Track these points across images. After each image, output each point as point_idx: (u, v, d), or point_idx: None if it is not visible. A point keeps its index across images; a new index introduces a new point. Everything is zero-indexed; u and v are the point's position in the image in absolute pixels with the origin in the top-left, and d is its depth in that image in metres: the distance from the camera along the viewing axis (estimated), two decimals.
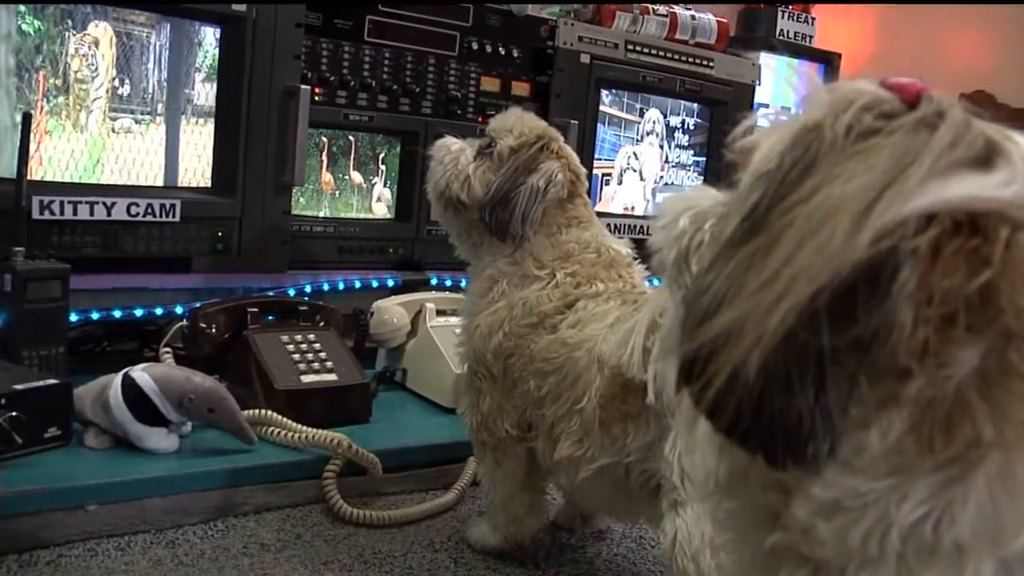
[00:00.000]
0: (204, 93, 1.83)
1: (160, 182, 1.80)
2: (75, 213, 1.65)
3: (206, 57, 1.83)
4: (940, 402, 0.50)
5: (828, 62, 3.12)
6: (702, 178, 2.71)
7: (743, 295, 0.53)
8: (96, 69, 1.69)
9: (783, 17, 3.01)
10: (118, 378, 1.41)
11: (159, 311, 1.80)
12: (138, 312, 1.78)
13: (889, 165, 0.51)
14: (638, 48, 2.47)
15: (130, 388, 1.39)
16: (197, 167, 1.84)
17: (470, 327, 1.35)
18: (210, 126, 1.83)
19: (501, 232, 1.31)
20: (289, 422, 1.50)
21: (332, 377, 1.64)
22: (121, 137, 1.74)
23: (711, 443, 0.61)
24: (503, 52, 2.25)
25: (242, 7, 1.78)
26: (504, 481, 1.34)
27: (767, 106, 2.99)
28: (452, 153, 1.38)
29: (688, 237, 0.65)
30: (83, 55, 1.66)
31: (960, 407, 0.50)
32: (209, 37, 1.82)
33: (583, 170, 1.38)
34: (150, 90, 1.77)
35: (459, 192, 1.35)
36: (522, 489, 1.34)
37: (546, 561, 1.39)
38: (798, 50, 3.06)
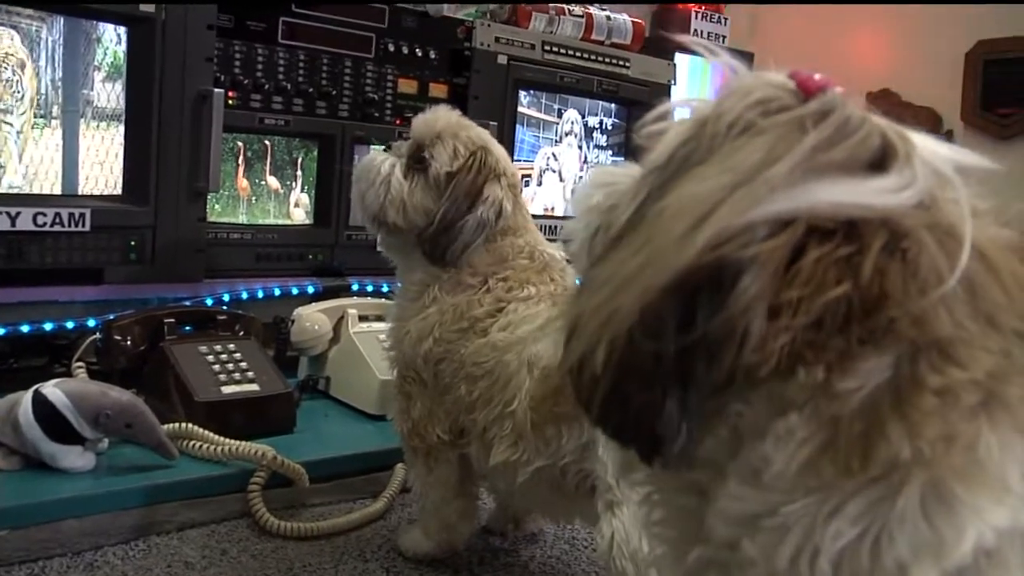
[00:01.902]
0: (106, 94, 1.75)
1: (58, 190, 1.72)
2: None
3: (106, 54, 1.74)
4: (850, 419, 0.49)
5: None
6: None
7: (597, 289, 0.53)
8: None
9: (696, 18, 3.05)
10: (28, 395, 1.35)
11: (70, 324, 1.73)
12: (48, 326, 1.71)
13: (748, 165, 0.50)
14: (555, 49, 2.47)
15: (42, 405, 1.33)
16: (100, 175, 1.76)
17: (399, 332, 1.32)
18: (113, 129, 1.76)
19: (439, 259, 1.28)
20: (211, 435, 1.46)
21: (254, 387, 1.59)
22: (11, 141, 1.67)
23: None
24: (420, 54, 2.23)
25: (150, 8, 1.72)
26: (436, 487, 1.32)
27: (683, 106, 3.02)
28: (383, 174, 1.32)
29: (597, 219, 0.65)
30: None
31: (875, 424, 0.49)
32: (110, 33, 1.73)
33: (519, 177, 1.35)
34: (43, 90, 1.68)
35: (396, 219, 1.31)
36: (455, 495, 1.32)
37: (480, 566, 1.37)
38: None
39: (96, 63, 1.74)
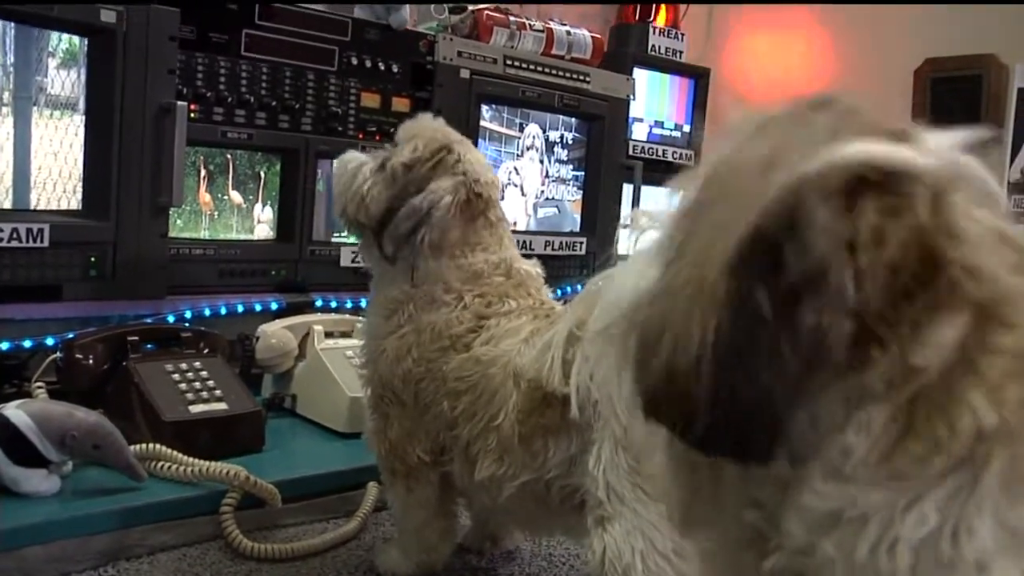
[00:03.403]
0: (60, 81, 1.69)
1: (8, 181, 1.65)
2: None
3: (60, 40, 1.69)
4: (928, 397, 0.49)
5: (698, 77, 3.19)
6: (581, 191, 2.73)
7: (669, 290, 0.51)
8: None
9: (654, 33, 3.07)
10: None
11: (27, 343, 1.68)
12: (3, 345, 1.65)
13: (778, 140, 0.51)
14: (517, 63, 2.47)
15: (3, 427, 1.28)
16: (53, 165, 1.69)
17: (374, 351, 1.30)
18: (67, 119, 1.69)
19: (391, 256, 1.26)
20: (180, 455, 1.42)
21: (222, 406, 1.56)
22: None
23: (676, 472, 0.59)
24: (383, 67, 2.21)
25: (111, 18, 1.68)
26: (417, 509, 1.29)
27: (641, 120, 3.04)
28: (349, 171, 1.31)
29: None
30: None
31: (954, 398, 0.48)
32: None
33: (491, 185, 1.33)
34: None
35: (355, 213, 1.30)
36: (435, 516, 1.30)
37: None
38: (669, 65, 3.13)
39: (51, 49, 1.68)
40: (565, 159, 2.69)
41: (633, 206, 2.77)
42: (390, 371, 1.26)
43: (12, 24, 1.62)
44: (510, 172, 2.55)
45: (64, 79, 1.70)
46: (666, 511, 0.64)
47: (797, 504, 0.51)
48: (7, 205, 1.65)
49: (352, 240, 2.20)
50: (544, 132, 2.61)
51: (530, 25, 2.57)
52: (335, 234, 2.18)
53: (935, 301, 0.48)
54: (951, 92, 3.21)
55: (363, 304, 2.13)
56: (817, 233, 0.47)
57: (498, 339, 1.20)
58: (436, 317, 1.24)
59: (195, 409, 1.53)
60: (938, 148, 0.51)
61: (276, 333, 1.82)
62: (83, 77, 1.71)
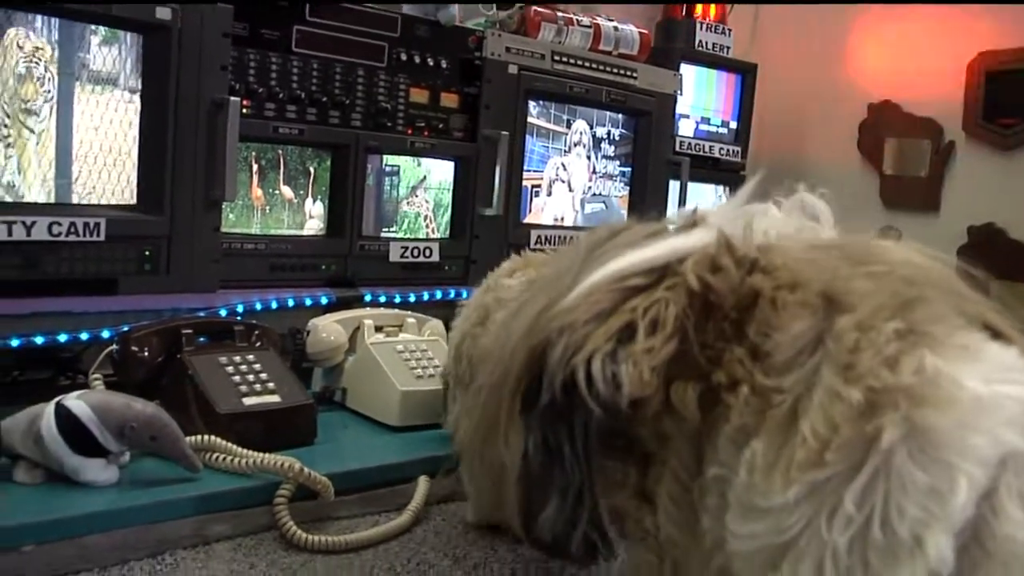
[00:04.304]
0: (102, 58, 1.70)
1: (51, 154, 1.67)
2: None
3: None
4: (793, 406, 0.49)
5: (745, 72, 3.17)
6: (628, 187, 2.72)
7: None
8: None
9: (701, 28, 3.05)
10: (51, 407, 1.32)
11: (84, 336, 1.71)
12: (62, 338, 1.68)
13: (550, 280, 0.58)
14: (564, 59, 2.47)
15: (65, 418, 1.30)
16: (94, 139, 1.71)
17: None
18: (108, 93, 1.71)
19: None
20: (235, 447, 1.43)
21: (275, 399, 1.57)
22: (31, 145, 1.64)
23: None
24: (432, 63, 2.22)
25: (166, 15, 1.70)
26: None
27: (687, 116, 3.03)
28: None
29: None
30: None
31: (814, 395, 0.49)
32: None
33: None
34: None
35: None
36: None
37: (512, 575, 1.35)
38: (716, 61, 3.11)
39: (92, 26, 1.70)
40: (612, 155, 2.68)
41: (680, 202, 2.76)
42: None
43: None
44: (557, 168, 2.55)
45: (105, 55, 1.71)
46: None
47: (738, 555, 0.52)
48: (51, 181, 1.67)
49: (401, 235, 2.21)
50: (591, 128, 2.61)
51: (577, 21, 2.57)
52: (384, 229, 2.19)
53: (765, 325, 0.50)
54: (1006, 86, 3.15)
55: (412, 299, 2.16)
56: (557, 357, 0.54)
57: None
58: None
59: (249, 401, 1.54)
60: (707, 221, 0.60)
61: (327, 327, 1.83)
62: (123, 53, 1.72)
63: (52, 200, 1.68)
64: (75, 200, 1.70)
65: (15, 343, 1.63)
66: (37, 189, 1.65)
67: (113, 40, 1.71)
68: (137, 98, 1.74)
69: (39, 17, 1.61)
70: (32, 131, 1.62)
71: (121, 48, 1.71)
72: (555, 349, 0.52)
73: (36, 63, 1.60)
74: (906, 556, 0.47)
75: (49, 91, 1.63)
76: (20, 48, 1.57)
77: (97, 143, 1.71)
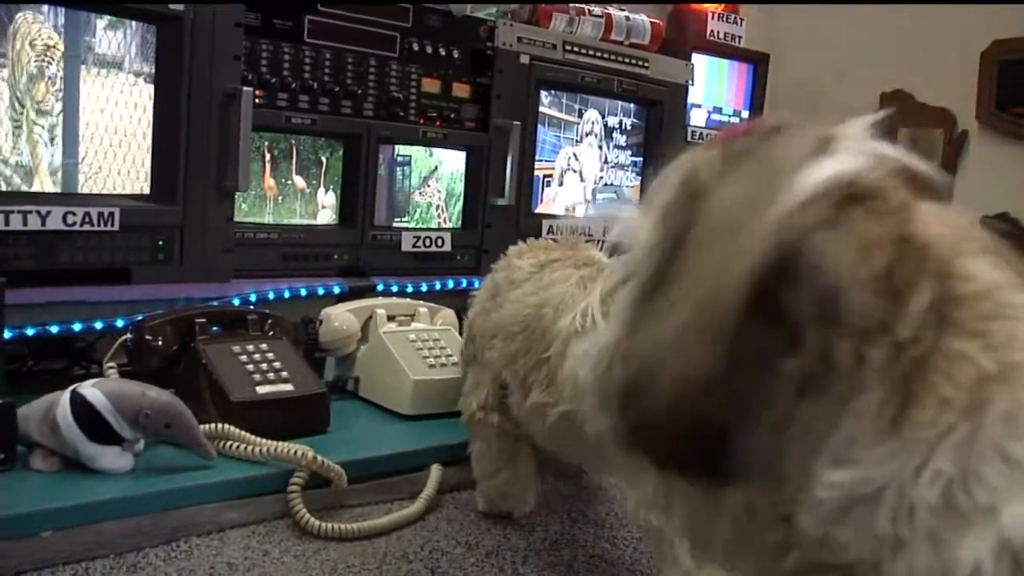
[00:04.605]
0: (107, 41, 1.69)
1: (58, 132, 1.66)
2: (7, 223, 1.56)
3: None
4: (919, 363, 0.49)
5: (757, 62, 3.16)
6: (639, 178, 2.72)
7: (665, 336, 0.52)
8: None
9: (713, 18, 3.04)
10: (66, 395, 1.33)
11: (99, 325, 1.72)
12: (76, 327, 1.69)
13: (757, 175, 0.53)
14: (576, 49, 2.46)
15: (80, 406, 1.31)
16: (99, 120, 1.70)
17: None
18: (113, 76, 1.70)
19: None
20: (248, 435, 1.44)
21: (288, 387, 1.58)
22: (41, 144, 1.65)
23: (705, 508, 0.60)
24: (443, 53, 2.21)
25: (179, 6, 1.71)
26: (482, 457, 1.46)
27: (699, 106, 3.02)
28: None
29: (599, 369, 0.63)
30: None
31: (945, 356, 0.49)
32: None
33: None
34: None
35: None
36: (502, 465, 1.45)
37: (523, 565, 1.36)
38: (728, 51, 3.10)
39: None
40: (624, 145, 2.67)
41: None
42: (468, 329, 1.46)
43: None
44: (569, 158, 2.55)
45: (111, 39, 1.70)
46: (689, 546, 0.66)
47: (811, 502, 0.52)
48: (58, 163, 1.68)
49: (413, 225, 2.22)
50: (603, 118, 2.60)
51: (589, 11, 2.56)
52: (396, 219, 2.20)
53: (907, 275, 0.50)
54: (1020, 75, 3.14)
55: (424, 289, 2.16)
56: (824, 266, 0.49)
57: (548, 286, 1.32)
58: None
59: (262, 390, 1.55)
60: (877, 147, 0.56)
61: (340, 316, 1.84)
62: (129, 37, 1.72)
63: (62, 185, 1.68)
64: (82, 180, 1.69)
65: (30, 332, 1.65)
66: (47, 175, 1.66)
67: (119, 24, 1.70)
68: (142, 81, 1.74)
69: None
70: (43, 127, 1.63)
71: (127, 32, 1.71)
72: (819, 244, 0.50)
73: (48, 63, 1.60)
74: (980, 521, 0.48)
75: (61, 90, 1.63)
76: (32, 47, 1.58)
77: (103, 125, 1.71)
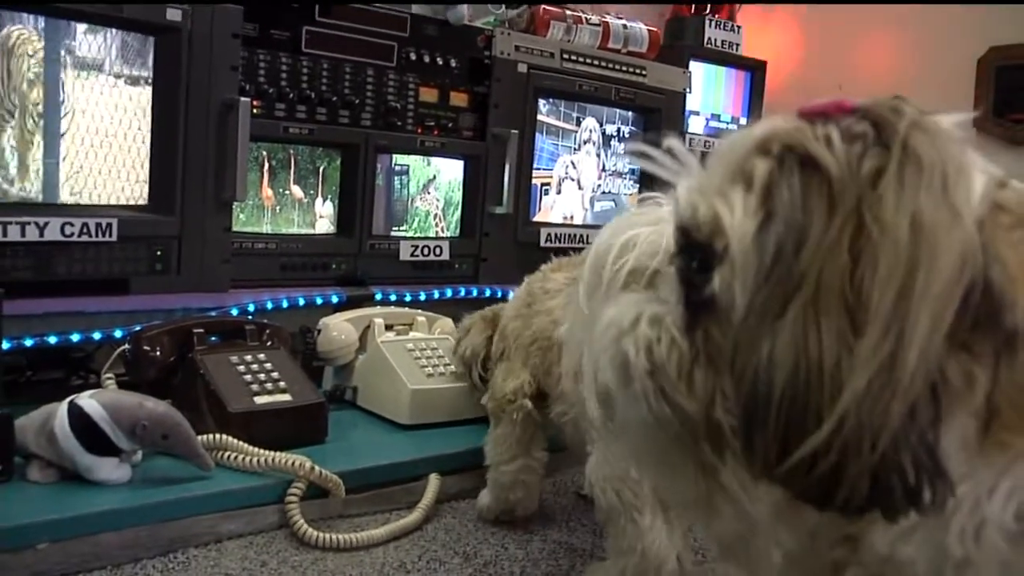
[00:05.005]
0: (87, 44, 1.69)
1: (39, 137, 1.65)
2: (4, 234, 1.57)
3: None
4: (1006, 384, 0.48)
5: (754, 70, 3.16)
6: (637, 186, 2.72)
7: (848, 361, 0.47)
8: None
9: (710, 25, 3.05)
10: (63, 407, 1.33)
11: (97, 335, 1.72)
12: (74, 337, 1.69)
13: (941, 166, 0.49)
14: (574, 57, 2.47)
15: (78, 417, 1.31)
16: (81, 121, 1.70)
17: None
18: (93, 79, 1.69)
19: None
20: (246, 446, 1.44)
21: (286, 397, 1.57)
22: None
23: (776, 521, 0.57)
24: (441, 62, 2.22)
25: (177, 16, 1.71)
26: (498, 443, 1.49)
27: (697, 113, 3.02)
28: None
29: (652, 343, 0.57)
30: None
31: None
32: None
33: None
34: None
35: None
36: (516, 454, 1.48)
37: (521, 575, 1.36)
38: (725, 58, 3.10)
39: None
40: (622, 152, 2.68)
41: None
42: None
43: None
44: (567, 166, 2.55)
45: (91, 42, 1.69)
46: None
47: (889, 525, 0.50)
48: (40, 163, 1.67)
49: (411, 234, 2.22)
50: (601, 126, 2.61)
51: (586, 19, 2.57)
52: (394, 228, 2.20)
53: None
54: (1017, 81, 3.14)
55: (422, 298, 2.16)
56: (1004, 289, 0.48)
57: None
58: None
59: (260, 400, 1.55)
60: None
61: (338, 326, 1.83)
62: (109, 40, 1.72)
63: (43, 182, 1.68)
64: (63, 178, 1.69)
65: (28, 343, 1.64)
66: (32, 175, 1.65)
67: (99, 28, 1.70)
68: (122, 83, 1.73)
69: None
70: (39, 131, 1.63)
71: (107, 35, 1.71)
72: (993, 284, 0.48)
73: (37, 67, 1.60)
74: None
75: (59, 93, 1.64)
76: (31, 56, 1.58)
77: (84, 125, 1.71)
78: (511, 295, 1.62)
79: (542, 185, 2.50)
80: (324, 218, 2.08)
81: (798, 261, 0.48)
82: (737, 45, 3.15)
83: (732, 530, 0.57)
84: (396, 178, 2.19)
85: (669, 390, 0.54)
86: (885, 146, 0.49)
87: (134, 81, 1.74)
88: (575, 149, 2.56)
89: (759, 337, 0.49)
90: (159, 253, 1.76)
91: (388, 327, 1.86)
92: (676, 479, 0.57)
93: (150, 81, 1.75)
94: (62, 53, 1.67)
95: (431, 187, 2.26)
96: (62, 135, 1.69)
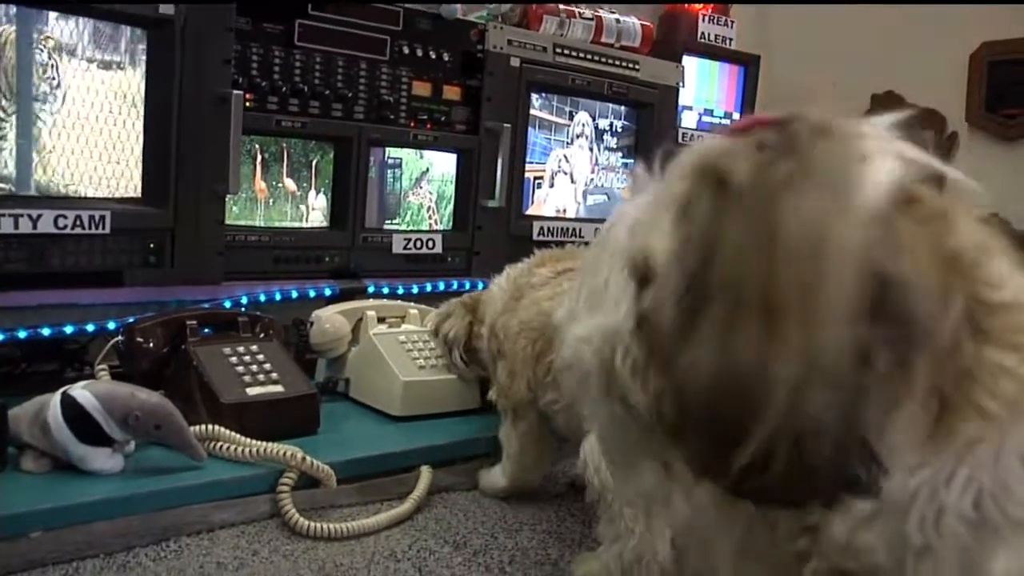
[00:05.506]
0: (60, 29, 1.65)
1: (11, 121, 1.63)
2: None
3: None
4: (955, 374, 0.50)
5: (748, 64, 3.17)
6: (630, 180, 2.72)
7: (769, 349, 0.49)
8: None
9: (704, 20, 3.05)
10: (56, 397, 1.34)
11: (90, 327, 1.73)
12: (68, 329, 1.70)
13: (839, 169, 0.52)
14: (566, 51, 2.47)
15: (71, 407, 1.32)
16: (55, 107, 1.67)
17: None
18: (64, 64, 1.66)
19: None
20: (238, 436, 1.45)
21: (278, 389, 1.59)
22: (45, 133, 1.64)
23: (729, 523, 0.59)
24: (434, 56, 2.23)
25: (169, 10, 1.72)
26: (519, 437, 1.54)
27: (690, 108, 3.03)
28: None
29: (605, 354, 0.62)
30: None
31: (984, 368, 0.49)
32: None
33: None
34: None
35: None
36: (532, 444, 1.53)
37: (510, 565, 1.37)
38: (719, 53, 3.11)
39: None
40: (615, 147, 2.69)
41: None
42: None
43: None
44: (560, 160, 2.56)
45: (63, 27, 1.66)
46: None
47: (847, 511, 0.52)
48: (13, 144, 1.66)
49: (404, 227, 2.23)
50: (594, 120, 2.62)
51: (579, 13, 2.57)
52: (387, 221, 2.21)
53: (947, 282, 0.50)
54: (1009, 76, 3.16)
55: (415, 290, 2.17)
56: (907, 281, 0.50)
57: (561, 293, 1.40)
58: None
59: (252, 391, 1.56)
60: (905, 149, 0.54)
61: (330, 318, 1.85)
62: (81, 25, 1.69)
63: (16, 163, 1.67)
64: (36, 158, 1.68)
65: (22, 335, 1.66)
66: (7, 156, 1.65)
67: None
68: (95, 67, 1.72)
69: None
70: (41, 120, 1.64)
71: (79, 20, 1.68)
72: (911, 273, 0.50)
73: (40, 49, 1.61)
74: (1012, 537, 0.48)
75: (53, 78, 1.64)
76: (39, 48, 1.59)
77: (57, 108, 1.69)
78: (489, 286, 1.67)
79: (535, 179, 2.51)
80: (317, 211, 2.09)
81: (712, 271, 0.51)
82: (731, 39, 3.15)
83: (684, 520, 0.60)
84: (389, 171, 2.20)
85: (623, 390, 0.57)
86: (792, 154, 0.52)
87: (106, 65, 1.73)
88: (568, 143, 2.57)
89: (684, 345, 0.51)
90: (152, 245, 1.77)
91: (380, 320, 1.88)
92: (635, 471, 0.60)
93: (123, 65, 1.75)
94: (36, 37, 1.65)
95: (424, 180, 2.27)
96: (43, 122, 1.69)
